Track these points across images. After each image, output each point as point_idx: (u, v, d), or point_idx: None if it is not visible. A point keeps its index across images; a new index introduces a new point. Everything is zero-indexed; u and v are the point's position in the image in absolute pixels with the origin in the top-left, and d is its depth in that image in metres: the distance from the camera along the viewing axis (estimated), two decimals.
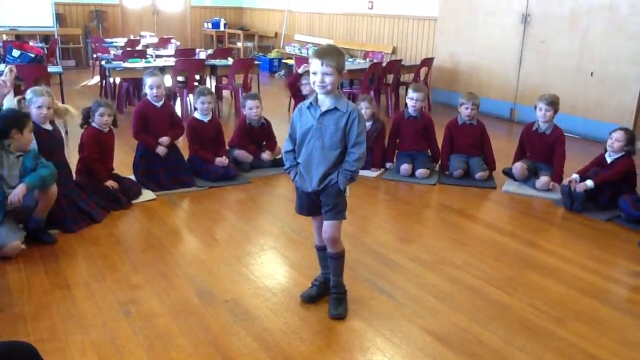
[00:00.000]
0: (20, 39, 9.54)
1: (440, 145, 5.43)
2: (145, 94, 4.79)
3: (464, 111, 5.24)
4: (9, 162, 3.52)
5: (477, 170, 5.14)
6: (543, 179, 4.84)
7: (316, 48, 2.78)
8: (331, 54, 2.63)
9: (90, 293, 3.07)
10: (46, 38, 10.54)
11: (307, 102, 2.79)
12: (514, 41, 7.80)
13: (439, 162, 5.44)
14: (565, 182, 4.61)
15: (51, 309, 2.88)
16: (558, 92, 5.23)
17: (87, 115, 4.40)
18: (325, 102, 2.71)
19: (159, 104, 4.76)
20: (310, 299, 3.02)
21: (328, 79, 2.62)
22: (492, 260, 3.61)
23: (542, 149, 4.98)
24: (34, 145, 3.66)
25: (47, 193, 3.58)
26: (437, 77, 8.88)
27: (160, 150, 4.72)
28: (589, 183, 4.41)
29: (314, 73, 2.64)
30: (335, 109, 2.69)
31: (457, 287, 3.23)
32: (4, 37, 9.48)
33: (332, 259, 2.94)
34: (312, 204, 2.90)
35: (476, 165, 5.17)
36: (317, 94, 2.73)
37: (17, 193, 3.39)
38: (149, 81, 4.70)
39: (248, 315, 2.88)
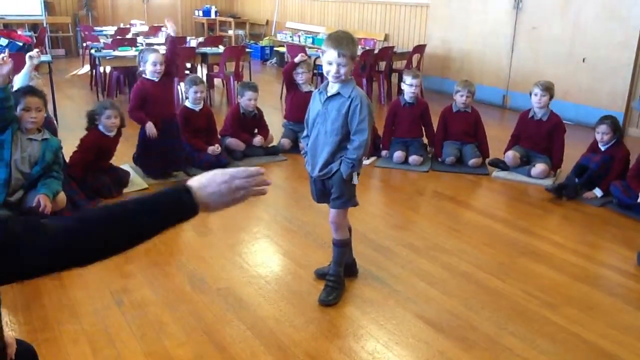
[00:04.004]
0: (8, 27, 9.41)
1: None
2: (142, 72, 4.68)
3: (459, 99, 5.21)
4: (22, 144, 3.43)
5: (470, 157, 5.13)
6: (540, 167, 4.80)
7: (328, 35, 2.72)
8: (346, 43, 2.61)
9: (82, 282, 3.05)
10: (35, 27, 10.41)
11: (321, 87, 2.80)
12: (505, 27, 7.78)
13: (433, 148, 5.42)
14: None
15: (43, 299, 2.86)
16: (550, 78, 5.22)
17: (92, 118, 4.31)
18: (333, 88, 2.71)
19: (157, 79, 4.64)
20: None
21: (343, 70, 2.62)
22: (485, 246, 3.62)
23: (538, 136, 4.95)
24: (53, 141, 3.59)
25: (57, 201, 3.52)
26: (429, 64, 8.86)
27: (149, 127, 4.54)
28: (598, 193, 4.39)
29: (330, 63, 2.62)
30: (339, 94, 2.68)
31: (450, 273, 3.24)
32: None
33: (334, 246, 2.95)
34: (321, 191, 2.91)
35: (469, 153, 5.17)
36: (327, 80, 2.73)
37: (43, 204, 3.34)
38: (151, 57, 4.53)
39: (241, 303, 2.88)
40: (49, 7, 11.28)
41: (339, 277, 2.95)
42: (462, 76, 7.16)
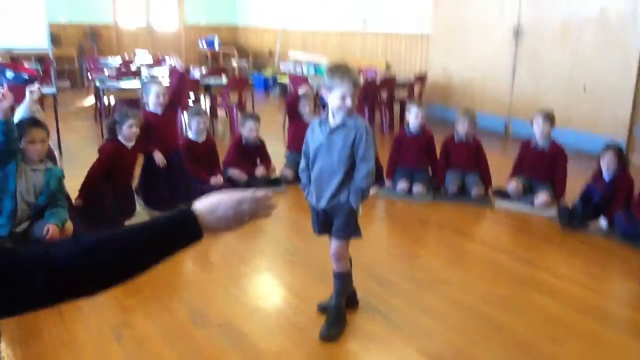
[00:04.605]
0: (15, 60, 9.54)
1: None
2: (145, 104, 4.71)
3: (460, 128, 5.22)
4: (26, 174, 3.45)
5: (473, 186, 5.12)
6: (542, 196, 4.78)
7: (334, 68, 2.74)
8: (356, 76, 2.71)
9: (82, 317, 3.03)
10: (41, 59, 10.54)
11: (319, 118, 2.84)
12: (506, 55, 7.84)
13: (436, 178, 5.40)
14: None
15: (43, 334, 2.83)
16: (551, 105, 5.24)
17: (112, 129, 4.31)
18: (335, 119, 2.73)
19: (160, 112, 4.68)
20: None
21: (354, 102, 2.68)
22: (489, 278, 3.59)
23: (541, 165, 4.94)
24: (54, 170, 3.61)
25: (65, 230, 3.52)
26: (431, 92, 8.90)
27: (158, 156, 4.56)
28: (603, 223, 4.35)
29: (343, 97, 2.65)
30: (344, 125, 2.71)
31: (454, 306, 3.20)
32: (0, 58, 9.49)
33: (335, 278, 2.93)
34: (324, 222, 2.91)
35: (472, 182, 5.15)
36: (328, 111, 2.77)
37: (52, 233, 3.35)
38: (154, 89, 4.57)
39: (242, 338, 2.84)
40: (55, 39, 11.44)
41: (340, 311, 2.92)
42: (464, 104, 7.18)
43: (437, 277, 3.59)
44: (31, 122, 3.58)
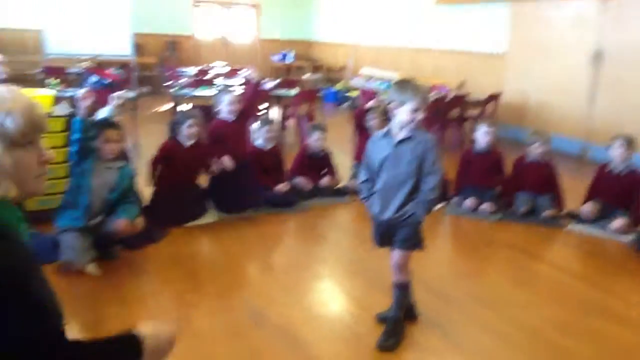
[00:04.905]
0: (100, 66, 10.06)
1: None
2: (218, 113, 4.87)
3: (534, 149, 5.06)
4: (101, 172, 3.63)
5: (544, 208, 4.93)
6: (619, 221, 4.54)
7: (403, 84, 2.81)
8: (426, 91, 2.77)
9: (146, 309, 3.12)
10: (124, 66, 11.06)
11: (381, 132, 2.88)
12: (584, 76, 7.55)
13: (505, 197, 5.24)
14: None
15: (109, 323, 2.94)
16: (634, 131, 4.98)
17: (173, 128, 4.52)
18: (402, 132, 2.76)
19: (232, 120, 4.81)
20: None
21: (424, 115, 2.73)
22: (556, 302, 3.43)
23: (618, 190, 4.71)
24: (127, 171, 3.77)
25: (135, 224, 3.68)
26: (505, 112, 8.68)
27: (226, 160, 4.67)
28: None
29: (416, 111, 2.70)
30: (411, 137, 2.74)
31: (516, 328, 3.07)
32: (87, 63, 10.04)
33: (396, 288, 2.91)
34: (386, 234, 2.92)
35: (544, 204, 4.97)
36: (391, 124, 2.82)
37: (122, 226, 3.53)
38: (227, 97, 4.77)
39: (298, 341, 2.84)
40: (138, 48, 11.99)
41: (399, 322, 2.88)
42: (539, 125, 6.97)
43: (502, 297, 3.47)
44: (106, 122, 3.77)
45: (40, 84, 7.36)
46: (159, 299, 3.26)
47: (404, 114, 2.72)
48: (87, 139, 3.51)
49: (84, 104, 3.46)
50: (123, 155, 4.01)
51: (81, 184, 3.56)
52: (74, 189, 3.60)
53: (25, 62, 10.49)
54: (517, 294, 3.51)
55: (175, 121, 4.56)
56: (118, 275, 3.51)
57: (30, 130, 1.31)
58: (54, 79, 7.04)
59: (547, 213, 4.89)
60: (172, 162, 4.49)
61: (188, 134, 4.45)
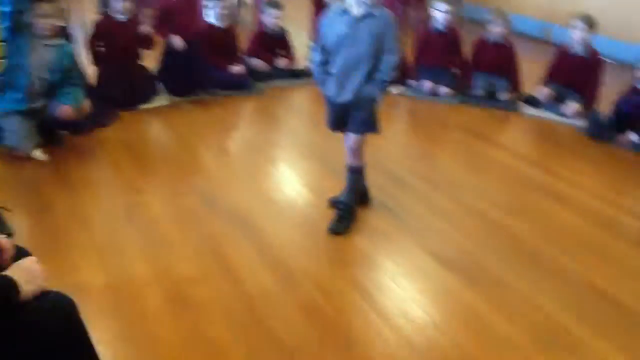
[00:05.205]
0: None
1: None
2: None
3: (493, 29, 4.94)
4: (38, 49, 3.39)
5: (502, 91, 4.91)
6: (572, 105, 4.57)
7: None
8: None
9: (95, 195, 3.07)
10: None
11: (336, 8, 2.69)
12: None
13: (463, 80, 5.19)
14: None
15: (56, 209, 2.89)
16: (597, 13, 4.86)
17: (103, 3, 4.32)
18: (359, 9, 2.60)
19: None
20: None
21: None
22: (506, 185, 3.51)
23: (576, 73, 4.67)
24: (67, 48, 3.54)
25: (81, 108, 3.50)
26: None
27: (175, 40, 4.45)
28: (634, 137, 4.09)
29: None
30: (370, 14, 2.60)
31: (466, 210, 3.15)
32: None
33: (349, 172, 2.90)
34: (341, 118, 2.84)
35: (501, 87, 4.94)
36: (346, 0, 2.64)
37: (66, 113, 3.37)
38: None
39: (251, 226, 2.86)
40: None
41: (351, 206, 2.90)
42: (501, 4, 6.76)
43: (453, 179, 3.52)
44: None
45: None
46: (108, 185, 3.20)
47: None
48: (18, 12, 3.23)
49: None
50: (64, 34, 3.74)
51: (17, 63, 3.33)
52: (10, 68, 3.36)
53: None
54: (468, 177, 3.58)
55: None
56: (65, 161, 3.41)
57: None
58: None
59: (504, 96, 4.89)
60: (109, 40, 4.26)
61: (119, 8, 4.19)
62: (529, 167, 3.78)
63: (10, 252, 1.58)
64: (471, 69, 5.06)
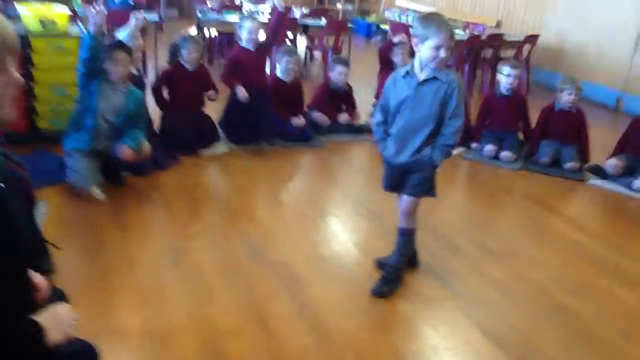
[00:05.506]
0: None
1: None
2: (239, 40, 4.72)
3: (565, 97, 4.80)
4: (107, 94, 3.54)
5: (568, 160, 4.72)
6: None
7: (428, 18, 2.59)
8: (451, 28, 2.56)
9: (146, 237, 3.12)
10: None
11: (402, 70, 2.69)
12: (633, 23, 7.08)
13: (528, 146, 5.04)
14: None
15: (107, 248, 2.94)
16: None
17: (174, 52, 4.46)
18: (424, 71, 2.58)
19: (253, 49, 4.66)
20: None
21: (448, 54, 2.56)
22: (567, 260, 3.31)
23: None
24: (134, 94, 3.67)
25: (141, 151, 3.61)
26: (541, 56, 8.27)
27: (240, 90, 4.54)
28: None
29: (438, 48, 2.51)
30: (435, 78, 2.58)
31: (522, 283, 2.98)
32: None
33: (400, 235, 2.82)
34: (397, 179, 2.80)
35: (568, 155, 4.75)
36: (413, 62, 2.64)
37: (126, 154, 3.47)
38: (247, 24, 4.59)
39: (294, 280, 2.81)
40: None
41: (397, 270, 2.81)
42: (575, 72, 6.62)
43: (510, 249, 3.36)
44: (116, 44, 3.64)
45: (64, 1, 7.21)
46: (160, 228, 3.25)
47: (426, 51, 2.53)
48: (95, 59, 3.41)
49: (95, 21, 3.34)
50: (134, 79, 3.91)
51: (88, 105, 3.50)
52: (80, 110, 3.54)
53: None
54: (526, 248, 3.41)
55: (175, 46, 4.46)
56: (123, 201, 3.49)
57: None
58: None
59: (570, 165, 4.69)
60: (176, 87, 4.44)
61: (188, 59, 4.39)
62: (593, 242, 3.57)
63: (45, 293, 1.58)
64: (538, 135, 4.91)
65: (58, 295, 1.72)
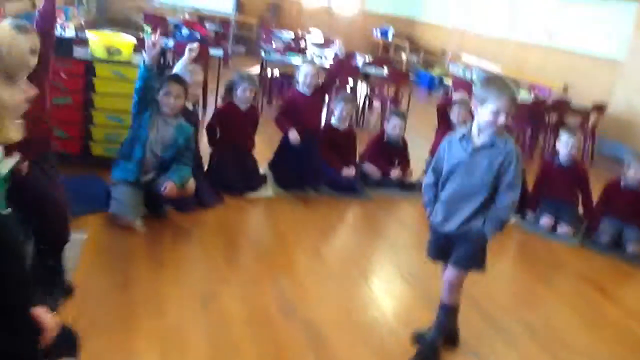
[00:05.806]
0: (200, 20, 10.16)
1: (594, 203, 4.76)
2: (297, 83, 4.73)
3: (632, 174, 4.52)
4: (158, 126, 3.55)
5: (631, 241, 4.42)
6: None
7: (490, 81, 2.51)
8: (515, 92, 2.46)
9: (178, 276, 3.04)
10: (224, 23, 11.13)
11: (459, 133, 2.57)
12: None
13: (588, 222, 4.76)
14: None
15: (138, 283, 2.87)
16: None
17: (229, 90, 4.47)
18: (481, 136, 2.45)
19: (308, 93, 4.65)
20: None
21: (509, 120, 2.42)
22: (620, 351, 3.04)
23: None
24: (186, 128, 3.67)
25: (186, 188, 3.59)
26: (609, 126, 7.95)
27: (292, 134, 4.50)
28: None
29: (498, 112, 2.39)
30: (492, 145, 2.43)
31: None
32: (187, 15, 10.15)
33: (441, 310, 2.64)
34: (443, 248, 2.64)
35: (631, 236, 4.45)
36: (471, 124, 2.51)
37: (170, 190, 3.43)
38: (304, 69, 4.62)
39: (323, 343, 2.66)
40: (240, 7, 12.01)
41: (435, 347, 2.62)
42: None
43: (557, 331, 3.11)
44: (171, 76, 3.67)
45: (137, 30, 7.48)
46: (194, 268, 3.17)
47: (484, 115, 2.41)
48: (148, 89, 3.44)
49: (152, 53, 3.38)
50: (187, 114, 3.91)
51: (138, 135, 3.51)
52: (130, 140, 3.55)
53: (133, 8, 10.82)
54: (575, 332, 3.15)
55: (231, 84, 4.46)
56: (161, 236, 3.45)
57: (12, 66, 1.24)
58: (150, 27, 7.12)
59: (633, 247, 4.39)
60: (227, 125, 4.42)
61: (243, 97, 4.38)
62: None
63: (52, 333, 1.51)
64: (599, 212, 4.63)
65: (67, 336, 1.65)
